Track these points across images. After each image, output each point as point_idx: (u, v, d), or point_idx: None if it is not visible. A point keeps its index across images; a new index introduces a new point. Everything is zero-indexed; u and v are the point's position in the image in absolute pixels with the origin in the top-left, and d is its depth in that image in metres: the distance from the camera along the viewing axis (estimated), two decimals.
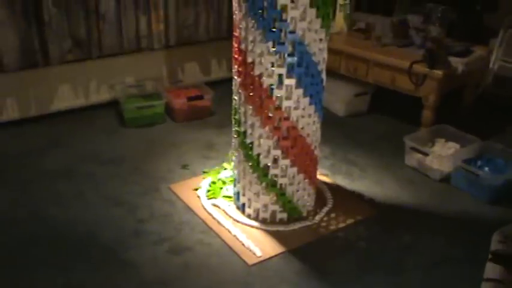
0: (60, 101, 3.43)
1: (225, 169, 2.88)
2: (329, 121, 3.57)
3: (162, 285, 2.11)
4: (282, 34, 2.13)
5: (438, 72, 3.14)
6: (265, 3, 2.09)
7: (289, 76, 2.19)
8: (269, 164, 2.35)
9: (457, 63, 3.23)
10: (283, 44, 2.14)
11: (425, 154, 2.99)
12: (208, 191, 2.71)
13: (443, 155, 2.96)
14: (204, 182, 2.78)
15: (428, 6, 3.63)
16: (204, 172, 2.89)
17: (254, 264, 2.23)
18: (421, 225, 2.56)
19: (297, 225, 2.48)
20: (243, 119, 2.35)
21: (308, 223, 2.50)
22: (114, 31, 3.39)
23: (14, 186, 2.73)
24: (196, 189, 2.72)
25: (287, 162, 2.35)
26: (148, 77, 3.70)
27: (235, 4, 2.24)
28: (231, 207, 2.58)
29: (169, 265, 2.22)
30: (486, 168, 2.84)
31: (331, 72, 3.69)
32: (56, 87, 3.39)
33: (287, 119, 2.27)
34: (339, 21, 3.77)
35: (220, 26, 3.85)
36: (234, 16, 2.27)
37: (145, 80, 3.69)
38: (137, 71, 3.66)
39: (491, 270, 1.40)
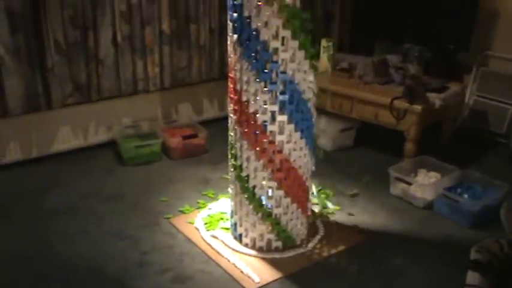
0: (60, 143, 3.58)
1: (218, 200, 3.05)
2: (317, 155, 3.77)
3: None
4: (274, 74, 2.33)
5: (417, 107, 3.36)
6: (258, 47, 2.30)
7: (281, 113, 2.39)
8: (264, 196, 2.52)
9: (435, 98, 3.46)
10: (275, 83, 2.34)
11: (409, 183, 3.18)
12: (206, 223, 2.86)
13: (425, 184, 3.15)
14: (202, 215, 2.94)
15: (405, 46, 3.89)
16: (200, 205, 3.05)
17: None
18: (408, 250, 2.72)
19: (291, 253, 2.63)
20: (239, 154, 2.53)
21: (302, 250, 2.66)
22: (112, 75, 3.58)
23: (21, 224, 2.85)
24: (193, 223, 2.87)
25: (281, 193, 2.52)
26: (144, 118, 3.88)
27: (230, 48, 2.45)
28: (228, 238, 2.73)
29: None
30: (466, 195, 3.03)
31: (318, 110, 3.90)
32: (56, 129, 3.55)
33: (280, 152, 2.45)
34: (324, 61, 4.01)
35: (212, 68, 4.07)
36: (230, 59, 2.48)
37: (142, 120, 3.87)
38: (134, 112, 3.84)
39: (471, 277, 1.58)
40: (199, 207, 3.04)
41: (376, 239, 2.81)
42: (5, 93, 3.19)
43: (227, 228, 2.80)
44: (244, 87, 2.40)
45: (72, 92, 3.47)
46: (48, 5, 3.20)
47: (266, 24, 2.26)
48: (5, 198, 3.09)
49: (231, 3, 2.34)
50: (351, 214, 3.03)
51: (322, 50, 4.01)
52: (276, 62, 2.31)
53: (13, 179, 3.31)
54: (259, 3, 2.23)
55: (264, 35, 2.27)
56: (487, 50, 4.02)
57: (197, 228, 2.82)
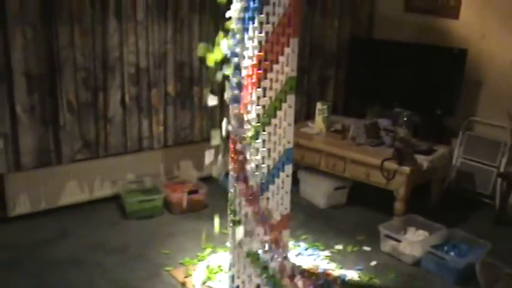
0: (67, 196, 3.75)
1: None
2: (312, 212, 3.95)
3: None
4: None
5: (406, 169, 3.57)
6: None
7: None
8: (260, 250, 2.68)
9: (423, 160, 3.68)
10: None
11: (398, 241, 3.34)
12: (205, 275, 3.01)
13: (414, 242, 3.32)
14: (200, 267, 3.08)
15: (395, 111, 4.12)
16: (200, 258, 3.20)
17: None
18: None
19: None
20: (237, 209, 2.71)
21: None
22: (119, 133, 3.80)
23: (29, 275, 2.98)
24: (191, 275, 3.01)
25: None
26: (147, 174, 4.07)
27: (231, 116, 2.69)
28: None
29: None
30: (452, 253, 3.19)
31: (312, 169, 4.13)
32: (64, 183, 3.73)
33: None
34: (318, 123, 4.25)
35: (214, 127, 4.29)
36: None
37: (145, 176, 4.06)
38: (138, 168, 4.04)
39: None
40: (199, 260, 3.18)
41: None
42: (19, 148, 3.40)
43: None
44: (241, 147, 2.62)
45: (81, 148, 3.67)
46: (63, 67, 3.46)
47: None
48: (15, 249, 3.24)
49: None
50: (343, 269, 3.17)
51: (317, 112, 4.25)
52: None
53: (22, 231, 3.46)
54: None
55: None
56: (472, 116, 4.28)
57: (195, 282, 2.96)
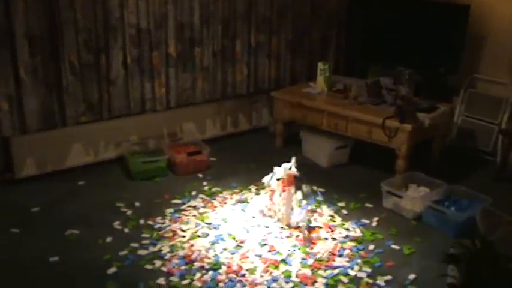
0: (73, 158, 3.80)
1: None
2: (314, 172, 4.00)
3: None
4: None
5: (408, 126, 3.60)
6: None
7: None
8: None
9: (424, 118, 3.70)
10: None
11: (400, 197, 3.40)
12: None
13: (415, 197, 3.37)
14: None
15: (397, 69, 4.12)
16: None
17: None
18: (399, 255, 2.94)
19: None
20: None
21: None
22: (122, 95, 3.82)
23: (40, 234, 3.06)
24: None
25: None
26: (150, 136, 4.11)
27: None
28: None
29: None
30: (452, 208, 3.25)
31: (314, 129, 4.16)
32: (69, 145, 3.77)
33: None
34: (320, 83, 4.26)
35: (215, 89, 4.31)
36: None
37: (148, 138, 4.09)
38: (141, 130, 4.07)
39: (450, 268, 1.81)
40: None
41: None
42: (24, 111, 3.42)
43: None
44: None
45: (84, 111, 3.69)
46: (64, 28, 3.45)
47: None
48: (24, 210, 3.30)
49: None
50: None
51: (319, 72, 4.26)
52: None
53: (30, 192, 3.52)
54: None
55: None
56: (475, 73, 4.28)
57: None
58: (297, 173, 3.13)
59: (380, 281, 2.73)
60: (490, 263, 1.48)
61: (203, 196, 3.55)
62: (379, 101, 3.98)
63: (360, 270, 2.81)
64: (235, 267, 2.79)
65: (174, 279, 2.69)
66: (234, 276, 2.72)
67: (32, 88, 3.42)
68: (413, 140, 3.67)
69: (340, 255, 2.93)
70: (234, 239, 3.05)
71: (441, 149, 4.16)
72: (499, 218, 2.25)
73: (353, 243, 3.06)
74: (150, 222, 3.21)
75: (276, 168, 3.24)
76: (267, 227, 3.18)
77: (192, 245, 2.98)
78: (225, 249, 2.95)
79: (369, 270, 2.82)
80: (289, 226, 3.17)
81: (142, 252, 2.91)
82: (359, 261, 2.89)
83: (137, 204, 3.42)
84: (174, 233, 3.10)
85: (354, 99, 4.02)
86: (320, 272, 2.78)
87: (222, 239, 3.04)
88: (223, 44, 4.25)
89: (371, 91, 4.04)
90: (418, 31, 4.29)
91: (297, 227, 3.16)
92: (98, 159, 3.93)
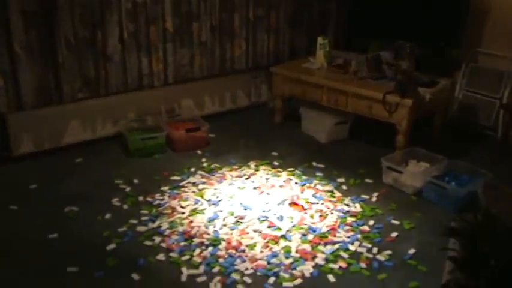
0: (70, 135, 3.77)
1: None
2: (313, 148, 3.98)
3: None
4: None
5: (408, 101, 3.56)
6: None
7: None
8: None
9: (425, 92, 3.66)
10: None
11: (400, 172, 3.38)
12: None
13: (415, 172, 3.35)
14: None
15: (398, 43, 4.05)
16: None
17: None
18: (399, 230, 2.93)
19: None
20: None
21: None
22: (119, 71, 3.76)
23: (39, 212, 3.04)
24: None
25: None
26: (148, 112, 4.07)
27: None
28: None
29: None
30: (453, 183, 3.23)
31: (314, 105, 4.12)
32: (67, 122, 3.74)
33: None
34: (320, 58, 4.21)
35: (213, 65, 4.26)
36: None
37: (146, 114, 4.06)
38: (139, 107, 4.03)
39: (451, 242, 1.80)
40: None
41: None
42: (20, 87, 3.38)
43: None
44: None
45: (81, 87, 3.65)
46: (59, 3, 3.38)
47: None
48: (22, 187, 3.28)
49: None
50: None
51: (318, 47, 4.20)
52: None
53: (28, 169, 3.50)
54: None
55: None
56: (476, 47, 4.22)
57: None
58: None
59: (380, 256, 2.72)
60: (492, 236, 1.47)
61: (202, 173, 3.53)
62: (380, 75, 3.94)
63: (360, 246, 2.80)
64: (234, 243, 2.78)
65: (174, 255, 2.69)
66: (234, 252, 2.72)
67: (27, 64, 3.37)
68: (413, 115, 3.64)
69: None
70: (233, 215, 3.04)
71: (442, 124, 4.13)
72: (502, 192, 2.24)
73: (353, 219, 3.05)
74: (149, 199, 3.19)
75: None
76: (267, 203, 3.16)
77: (192, 221, 2.97)
78: (224, 225, 2.94)
79: (368, 245, 2.81)
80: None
81: (141, 228, 2.90)
82: (359, 236, 2.88)
83: (136, 181, 3.40)
84: (173, 209, 3.09)
85: (354, 74, 3.98)
86: (320, 247, 2.78)
87: (221, 215, 3.03)
88: (221, 18, 4.18)
89: (371, 66, 3.99)
90: (419, 4, 4.22)
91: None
92: (96, 137, 3.90)
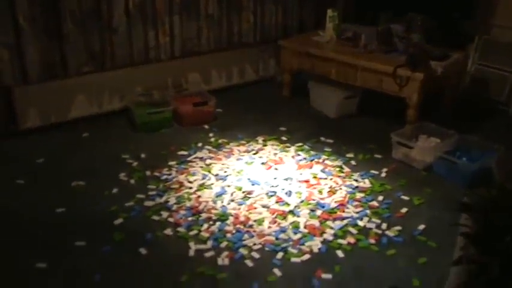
0: (77, 109, 3.73)
1: None
2: (322, 122, 3.93)
3: None
4: None
5: (419, 75, 3.49)
6: None
7: None
8: None
9: (437, 66, 3.58)
10: None
11: (410, 147, 3.33)
12: None
13: (426, 148, 3.30)
14: None
15: (409, 15, 3.97)
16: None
17: None
18: (409, 206, 2.90)
19: None
20: None
21: None
22: (125, 44, 3.71)
23: (46, 186, 3.03)
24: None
25: None
26: (155, 86, 4.02)
27: None
28: None
29: None
30: (464, 158, 3.18)
31: (322, 79, 4.06)
32: (73, 97, 3.69)
33: None
34: (329, 31, 4.13)
35: (220, 38, 4.19)
36: None
37: (153, 89, 4.01)
38: (145, 81, 3.98)
39: (463, 217, 1.76)
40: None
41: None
42: (25, 60, 3.34)
43: None
44: None
45: (87, 61, 3.60)
46: None
47: None
48: (29, 162, 3.26)
49: None
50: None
51: (328, 19, 4.12)
52: None
53: (34, 144, 3.47)
54: None
55: None
56: (490, 19, 4.11)
57: None
58: None
59: (389, 232, 2.69)
60: (507, 211, 1.42)
61: (209, 147, 3.50)
62: (390, 49, 3.86)
63: (369, 221, 2.77)
64: (242, 218, 2.76)
65: (181, 230, 2.67)
66: (242, 227, 2.70)
67: (32, 37, 3.33)
68: (424, 89, 3.56)
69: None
70: (241, 190, 3.01)
71: (453, 99, 4.06)
72: None
73: (362, 194, 3.01)
74: (156, 174, 3.17)
75: None
76: (275, 178, 3.13)
77: (199, 196, 2.95)
78: (232, 201, 2.92)
79: (378, 221, 2.78)
80: None
81: (148, 203, 2.88)
82: (368, 212, 2.85)
83: (143, 155, 3.38)
84: (181, 184, 3.06)
85: (364, 48, 3.90)
86: (328, 223, 2.75)
87: (229, 190, 3.00)
88: None
89: (382, 39, 3.91)
90: None
91: None
92: (102, 111, 3.86)
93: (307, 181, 3.11)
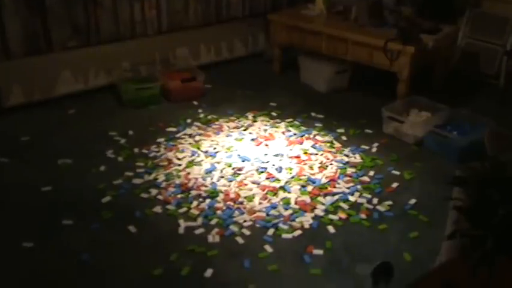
0: (62, 86, 3.66)
1: None
2: (313, 98, 3.89)
3: None
4: None
5: (410, 48, 3.44)
6: None
7: None
8: None
9: (428, 39, 3.54)
10: None
11: (401, 122, 3.30)
12: None
13: (417, 122, 3.28)
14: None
15: None
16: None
17: None
18: (400, 181, 2.88)
19: None
20: None
21: None
22: (110, 18, 3.62)
23: (31, 164, 2.98)
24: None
25: None
26: (142, 62, 3.94)
27: None
28: None
29: None
30: (455, 132, 3.16)
31: (313, 54, 4.00)
32: (58, 73, 3.61)
33: None
34: (319, 4, 4.06)
35: (209, 12, 4.10)
36: None
37: (140, 64, 3.93)
38: (132, 56, 3.90)
39: (455, 191, 1.74)
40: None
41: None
42: (6, 34, 3.24)
43: None
44: None
45: (71, 35, 3.51)
46: None
47: None
48: (12, 139, 3.20)
49: None
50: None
51: None
52: None
53: (20, 121, 3.41)
54: None
55: None
56: None
57: None
58: None
59: (380, 207, 2.68)
60: (502, 184, 1.40)
61: (198, 124, 3.45)
62: (381, 22, 3.80)
63: (360, 196, 2.76)
64: (232, 195, 2.73)
65: (171, 207, 2.64)
66: (232, 204, 2.67)
67: (13, 10, 3.22)
68: (415, 63, 3.53)
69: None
70: (230, 166, 2.98)
71: (444, 73, 4.02)
72: (508, 140, 2.17)
73: (353, 170, 2.99)
74: (145, 151, 3.12)
75: None
76: (265, 155, 3.09)
77: (188, 173, 2.91)
78: (222, 177, 2.88)
79: (369, 196, 2.76)
80: None
81: (137, 181, 2.84)
82: (359, 187, 2.83)
83: (130, 132, 3.32)
84: (170, 161, 3.02)
85: (355, 21, 3.85)
86: (319, 198, 2.73)
87: (218, 167, 2.97)
88: None
89: (372, 12, 3.85)
90: None
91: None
92: (89, 87, 3.79)
93: (297, 157, 3.08)
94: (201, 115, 3.57)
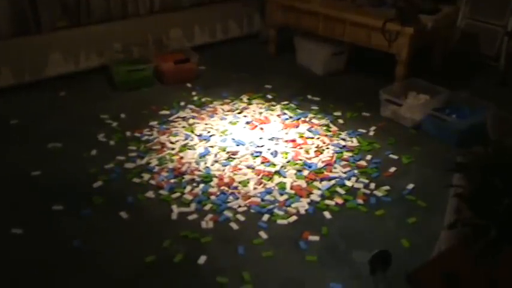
0: (52, 67, 3.57)
1: None
2: (309, 80, 3.81)
3: None
4: None
5: (409, 29, 3.36)
6: None
7: None
8: None
9: (427, 20, 3.45)
10: None
11: (399, 105, 3.24)
12: None
13: (415, 105, 3.21)
14: None
15: None
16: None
17: None
18: (398, 165, 2.83)
19: None
20: None
21: None
22: None
23: (21, 148, 2.90)
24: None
25: None
26: (134, 43, 3.85)
27: None
28: None
29: None
30: (454, 115, 3.10)
31: (309, 35, 3.91)
32: (47, 54, 3.52)
33: None
34: None
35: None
36: None
37: (132, 45, 3.84)
38: (124, 37, 3.80)
39: (456, 177, 1.68)
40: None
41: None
42: None
43: None
44: None
45: (61, 15, 3.41)
46: None
47: None
48: (1, 122, 3.12)
49: None
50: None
51: None
52: None
53: (7, 104, 3.33)
54: None
55: None
56: None
57: None
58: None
59: (378, 192, 2.63)
60: (506, 170, 1.35)
61: (192, 106, 3.38)
62: (379, 2, 3.71)
63: (356, 181, 2.70)
64: (227, 180, 2.67)
65: (164, 192, 2.58)
66: (226, 188, 2.61)
67: None
68: (414, 44, 3.44)
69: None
70: (225, 150, 2.91)
71: (443, 55, 3.95)
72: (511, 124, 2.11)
73: (350, 154, 2.93)
74: (137, 134, 3.05)
75: None
76: (260, 138, 3.03)
77: (182, 158, 2.85)
78: (216, 162, 2.82)
79: (366, 180, 2.71)
80: None
81: (129, 165, 2.77)
82: (356, 171, 2.78)
83: (122, 115, 3.25)
84: (163, 145, 2.95)
85: (352, 1, 3.75)
86: (315, 183, 2.67)
87: (212, 151, 2.90)
88: None
89: None
90: None
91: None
92: (80, 69, 3.70)
93: (293, 141, 3.02)
94: (195, 98, 3.49)
